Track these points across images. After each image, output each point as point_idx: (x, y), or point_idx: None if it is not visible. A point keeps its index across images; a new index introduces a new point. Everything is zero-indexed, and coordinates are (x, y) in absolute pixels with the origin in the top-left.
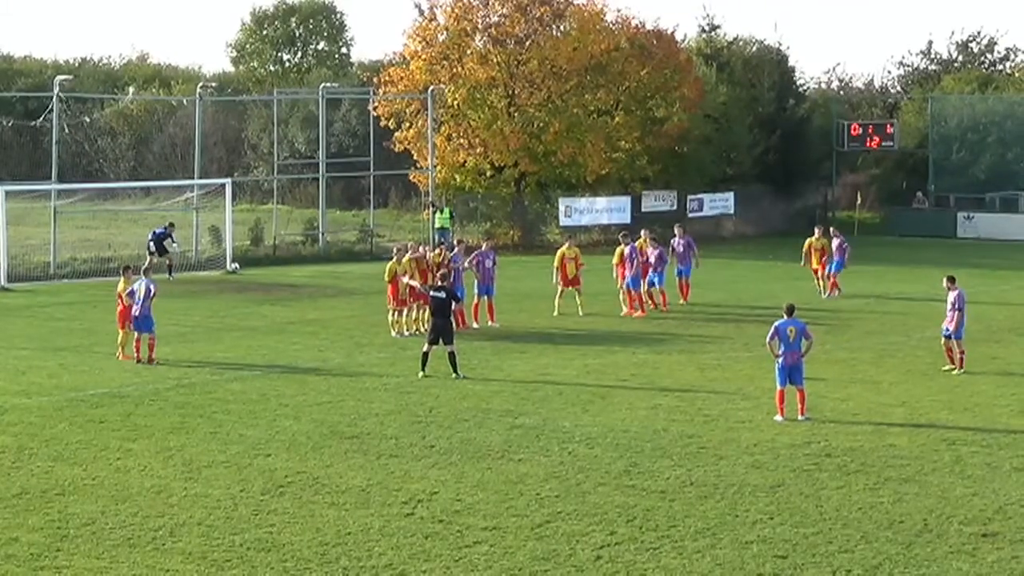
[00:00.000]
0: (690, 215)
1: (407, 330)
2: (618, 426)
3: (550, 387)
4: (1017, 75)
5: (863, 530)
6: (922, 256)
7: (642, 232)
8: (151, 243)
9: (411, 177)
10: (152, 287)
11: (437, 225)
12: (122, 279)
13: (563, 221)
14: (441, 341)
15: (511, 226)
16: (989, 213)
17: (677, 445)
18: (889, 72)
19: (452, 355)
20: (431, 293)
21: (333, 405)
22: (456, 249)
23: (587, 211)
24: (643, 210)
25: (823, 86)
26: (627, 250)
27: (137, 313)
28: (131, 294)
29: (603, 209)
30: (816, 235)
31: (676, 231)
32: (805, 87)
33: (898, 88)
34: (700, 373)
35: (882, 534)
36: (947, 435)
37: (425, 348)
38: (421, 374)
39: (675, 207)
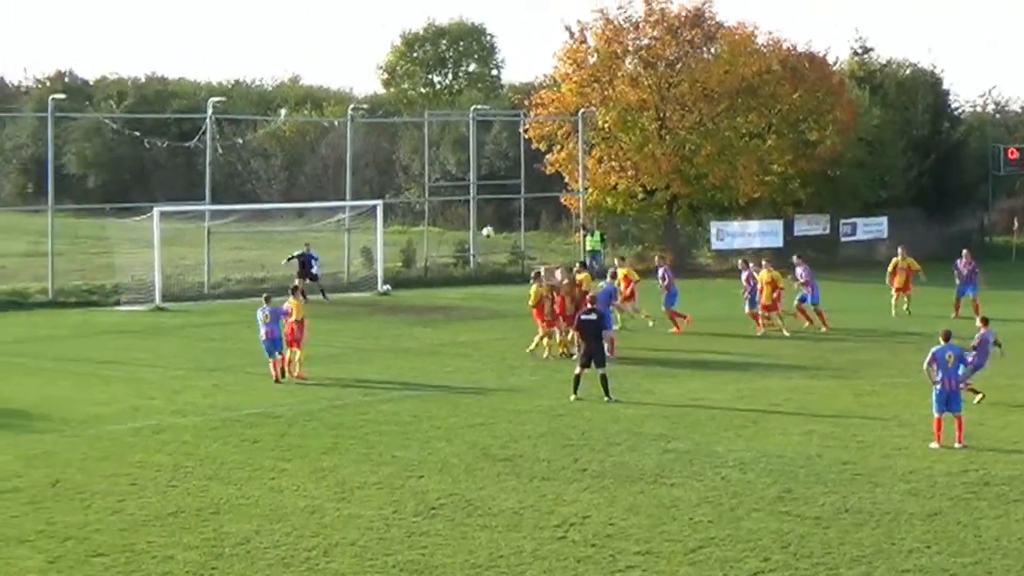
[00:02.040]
0: (843, 239)
1: (547, 352)
2: (772, 451)
3: (702, 411)
4: None
5: (1023, 561)
6: None
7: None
8: (299, 262)
9: (562, 199)
10: (283, 311)
11: (588, 248)
12: (291, 299)
13: (715, 244)
14: (593, 364)
15: (662, 249)
16: None
17: (832, 471)
18: None
19: (604, 378)
20: (581, 316)
21: (486, 427)
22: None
23: (739, 234)
24: (795, 234)
25: (979, 109)
26: (743, 275)
27: (269, 336)
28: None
29: (755, 232)
30: (900, 255)
31: (796, 261)
32: (960, 110)
33: None
34: (855, 399)
35: None
36: None
37: (577, 371)
38: (573, 397)
39: (827, 231)
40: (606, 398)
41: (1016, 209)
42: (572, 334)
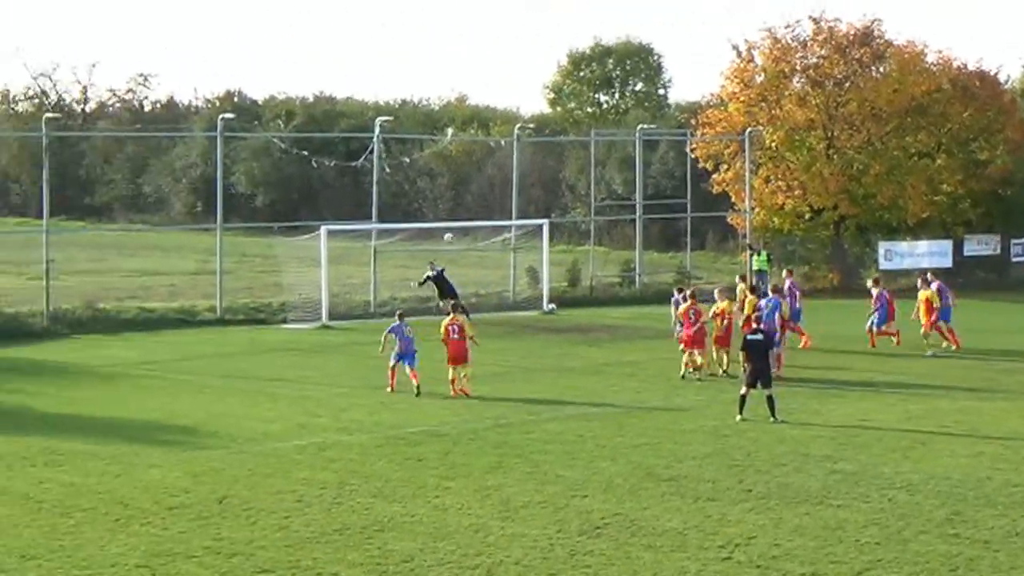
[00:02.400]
0: (1014, 259)
1: (698, 371)
2: (940, 473)
3: (870, 432)
4: None
5: None
6: None
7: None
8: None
9: (729, 219)
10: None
11: (755, 268)
12: (459, 316)
13: (883, 264)
14: (759, 384)
15: (830, 269)
16: None
17: (1002, 494)
18: None
19: (770, 398)
20: (748, 336)
21: (650, 447)
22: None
23: (907, 255)
24: (965, 254)
25: None
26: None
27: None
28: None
29: (924, 253)
30: None
31: (930, 277)
32: None
33: None
34: None
35: None
36: None
37: (743, 391)
38: (739, 417)
39: (998, 251)
40: (772, 418)
41: None
42: (716, 355)
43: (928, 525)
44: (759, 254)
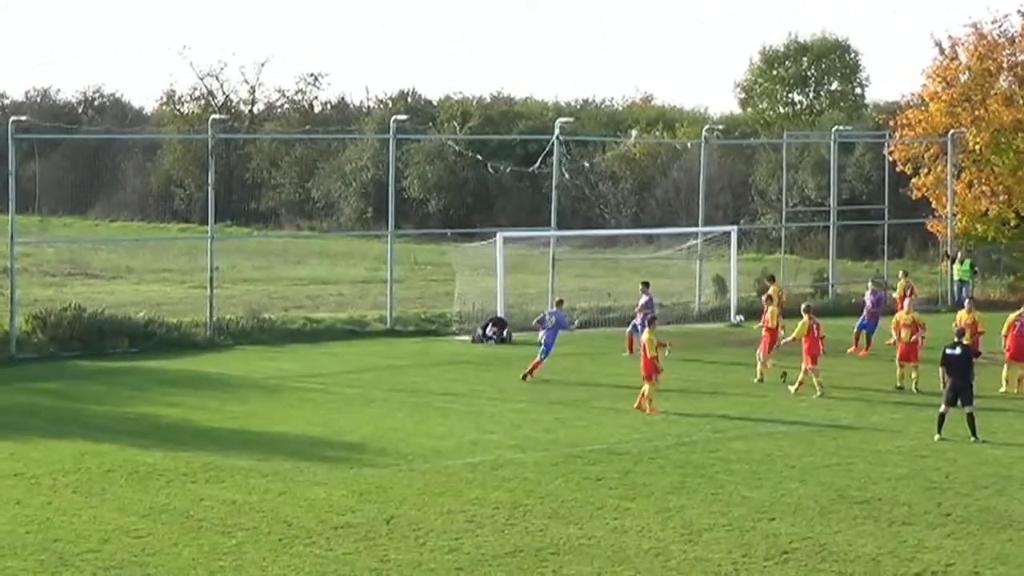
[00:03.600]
0: None
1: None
2: None
3: None
4: None
5: None
6: None
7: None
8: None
9: (928, 226)
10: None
11: (956, 277)
12: (647, 331)
13: None
14: (959, 402)
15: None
16: None
17: None
18: None
19: (971, 417)
20: (946, 350)
21: (842, 467)
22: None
23: None
24: None
25: None
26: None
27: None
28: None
29: None
30: None
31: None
32: None
33: None
34: None
35: None
36: None
37: (942, 409)
38: (937, 436)
39: None
40: (972, 438)
41: None
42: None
43: None
44: (961, 263)
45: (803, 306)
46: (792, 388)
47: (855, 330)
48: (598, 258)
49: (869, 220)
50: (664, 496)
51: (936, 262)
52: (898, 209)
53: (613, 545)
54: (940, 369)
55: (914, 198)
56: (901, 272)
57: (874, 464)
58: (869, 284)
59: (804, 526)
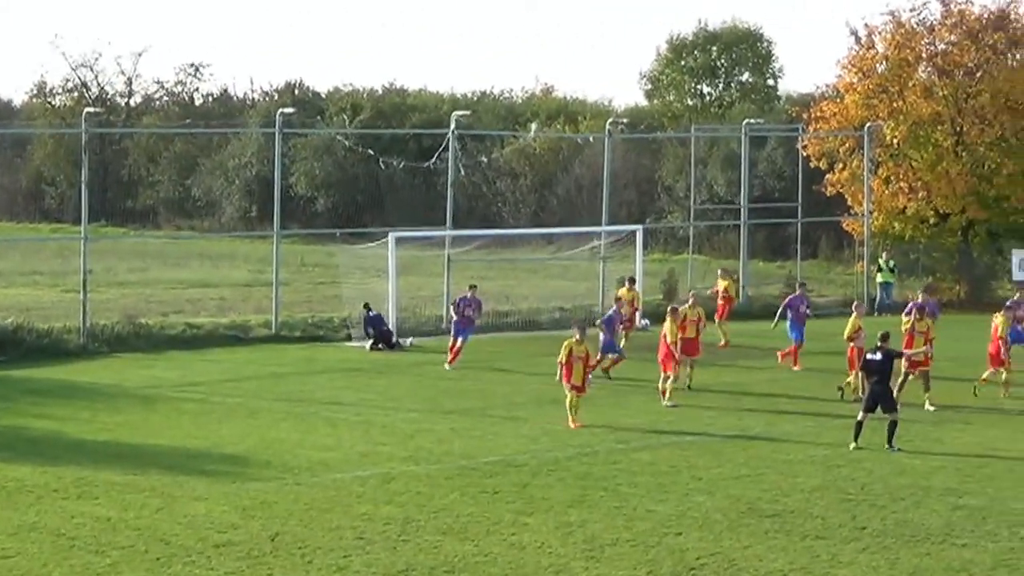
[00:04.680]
0: None
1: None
2: None
3: (999, 463)
4: None
5: None
6: None
7: None
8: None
9: (844, 224)
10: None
11: (879, 280)
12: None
13: (1016, 275)
14: (880, 408)
15: (956, 280)
16: None
17: None
18: None
19: (893, 424)
20: (867, 356)
21: (752, 479)
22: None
23: None
24: None
25: None
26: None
27: None
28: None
29: None
30: None
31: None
32: None
33: None
34: None
35: None
36: None
37: (860, 416)
38: (853, 445)
39: None
40: (888, 446)
41: None
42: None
43: None
44: (885, 264)
45: (670, 308)
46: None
47: (798, 341)
48: (496, 259)
49: (781, 218)
50: (564, 510)
51: (851, 263)
52: (812, 207)
53: (511, 562)
54: (860, 374)
55: (829, 195)
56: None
57: (785, 475)
58: (797, 287)
59: (712, 541)
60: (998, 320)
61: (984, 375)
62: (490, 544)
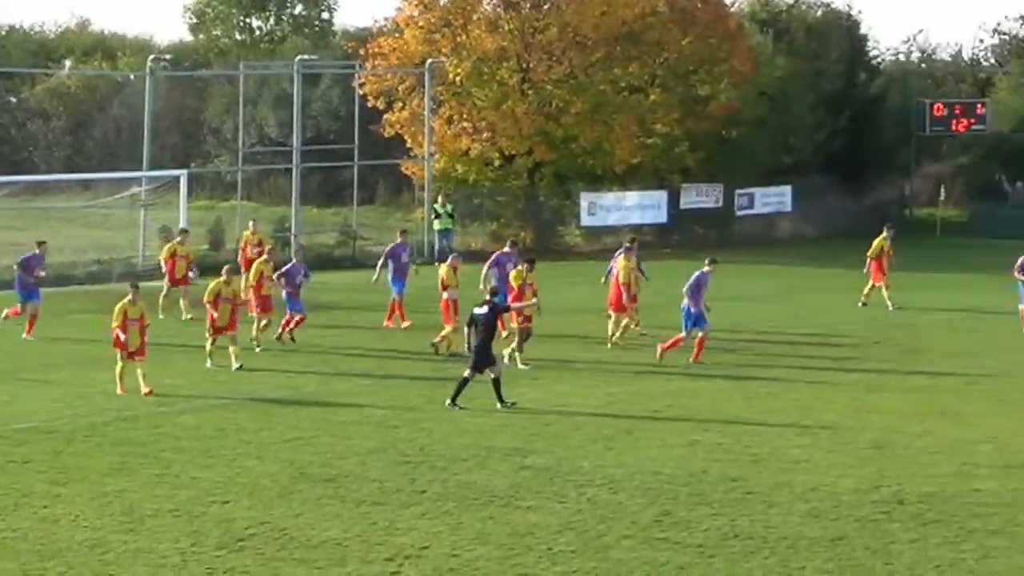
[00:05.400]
0: (738, 213)
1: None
2: (648, 467)
3: (566, 420)
4: None
5: None
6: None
7: None
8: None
9: (403, 168)
10: None
11: (437, 227)
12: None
13: (585, 220)
14: (482, 365)
15: (523, 226)
16: None
17: (718, 490)
18: (981, 41)
19: (496, 381)
20: (474, 310)
21: (304, 442)
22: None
23: (614, 208)
24: (682, 207)
25: (901, 58)
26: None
27: None
28: None
29: (634, 206)
30: (887, 235)
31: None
32: (880, 59)
33: (992, 60)
34: (747, 403)
35: None
36: None
37: (467, 374)
38: (449, 403)
39: (720, 203)
40: (500, 404)
41: (943, 176)
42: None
43: (633, 528)
44: (443, 209)
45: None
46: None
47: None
48: (27, 207)
49: (337, 162)
50: (101, 479)
51: (412, 208)
52: (370, 149)
53: (42, 537)
54: (467, 330)
55: (388, 136)
56: None
57: (340, 437)
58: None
59: (261, 509)
60: (619, 265)
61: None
62: (19, 519)
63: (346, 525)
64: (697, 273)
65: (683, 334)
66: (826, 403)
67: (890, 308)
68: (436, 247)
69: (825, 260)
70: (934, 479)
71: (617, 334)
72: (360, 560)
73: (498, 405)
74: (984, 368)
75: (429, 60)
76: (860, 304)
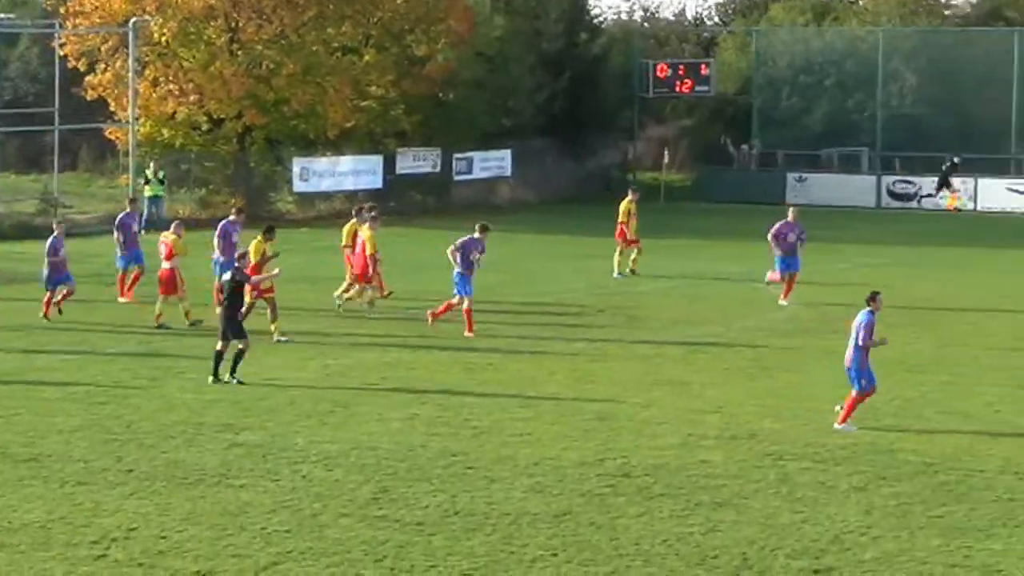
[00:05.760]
0: (456, 178)
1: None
2: (364, 442)
3: (279, 394)
4: (862, 3)
5: (668, 567)
6: (743, 227)
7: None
8: None
9: (107, 132)
10: None
11: (148, 194)
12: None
13: (297, 186)
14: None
15: (232, 192)
16: (825, 173)
17: (438, 465)
18: (704, 0)
19: (239, 353)
20: (223, 277)
21: (5, 420)
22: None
23: (328, 174)
24: (398, 172)
25: (624, 17)
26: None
27: None
28: None
29: (348, 172)
30: (633, 197)
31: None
32: (602, 19)
33: (715, 19)
34: (468, 375)
35: (691, 572)
36: (771, 448)
37: (219, 346)
38: (212, 380)
39: (438, 168)
40: (230, 376)
41: (667, 139)
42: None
43: (350, 506)
44: (155, 175)
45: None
46: None
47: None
48: None
49: (36, 126)
50: None
51: (116, 175)
52: (72, 113)
53: None
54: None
55: (90, 99)
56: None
57: (41, 415)
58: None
59: None
60: (365, 235)
61: (351, 294)
62: None
63: (49, 507)
64: (465, 238)
65: (455, 299)
66: (549, 374)
67: (615, 274)
68: (144, 215)
69: (546, 226)
70: (660, 451)
71: (356, 298)
72: (65, 543)
73: (228, 376)
74: (710, 336)
75: (133, 19)
76: (629, 272)
